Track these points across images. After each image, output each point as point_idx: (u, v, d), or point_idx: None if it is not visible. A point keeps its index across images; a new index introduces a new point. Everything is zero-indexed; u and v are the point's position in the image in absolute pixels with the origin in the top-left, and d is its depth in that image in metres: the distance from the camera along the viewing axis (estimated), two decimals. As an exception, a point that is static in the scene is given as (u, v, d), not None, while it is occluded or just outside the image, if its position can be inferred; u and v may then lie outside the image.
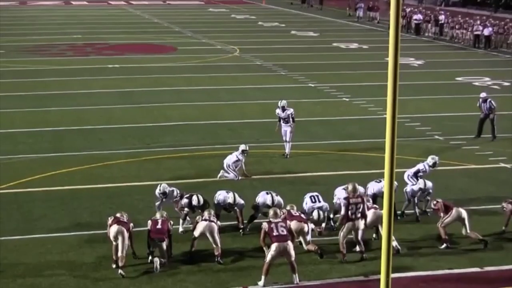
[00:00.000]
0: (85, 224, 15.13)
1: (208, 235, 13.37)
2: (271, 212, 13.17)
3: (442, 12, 50.91)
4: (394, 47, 4.73)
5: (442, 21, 47.50)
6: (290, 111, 19.76)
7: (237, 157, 17.59)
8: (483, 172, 19.14)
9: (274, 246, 12.45)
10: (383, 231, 5.22)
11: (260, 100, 27.42)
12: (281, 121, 19.81)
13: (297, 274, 12.55)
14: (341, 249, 13.35)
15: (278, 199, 14.67)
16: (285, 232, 12.59)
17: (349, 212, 13.24)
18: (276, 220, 12.78)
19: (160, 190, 15.01)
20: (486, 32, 42.21)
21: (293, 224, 13.40)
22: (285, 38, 46.14)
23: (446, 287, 12.63)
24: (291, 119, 19.68)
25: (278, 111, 19.93)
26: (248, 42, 43.59)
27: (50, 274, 12.90)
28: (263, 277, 12.44)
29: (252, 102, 27.12)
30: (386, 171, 4.93)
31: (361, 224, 13.33)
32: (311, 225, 13.95)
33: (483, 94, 22.49)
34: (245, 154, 17.71)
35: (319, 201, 14.61)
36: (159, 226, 13.35)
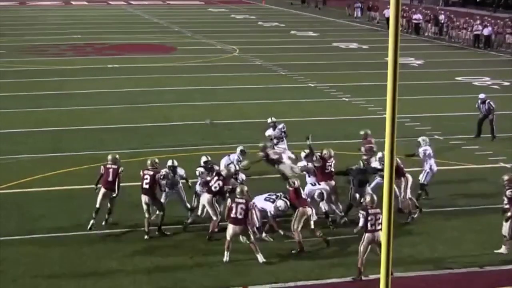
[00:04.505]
0: (85, 224, 15.11)
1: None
2: (238, 189, 13.58)
3: (442, 12, 50.96)
4: (394, 47, 4.72)
5: (442, 21, 47.53)
6: (281, 125, 18.88)
7: (237, 157, 17.38)
8: (483, 172, 19.16)
9: (229, 227, 13.28)
10: (383, 230, 5.21)
11: (260, 100, 27.44)
12: (274, 141, 18.49)
13: (260, 254, 13.20)
14: (359, 265, 12.69)
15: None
16: (242, 216, 13.10)
17: (369, 224, 12.69)
18: (239, 200, 13.22)
19: (171, 163, 15.13)
20: (486, 32, 42.24)
21: None
22: (285, 38, 46.16)
23: (446, 287, 12.63)
24: (283, 135, 18.68)
25: (269, 132, 18.77)
26: (248, 42, 43.62)
27: (49, 275, 12.92)
28: (225, 252, 13.24)
29: (252, 102, 27.13)
30: (386, 170, 4.93)
31: (379, 235, 12.58)
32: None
33: (481, 95, 22.51)
34: (244, 155, 17.52)
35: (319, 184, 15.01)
36: (147, 179, 14.44)
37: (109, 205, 15.07)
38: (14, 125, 23.41)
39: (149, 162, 14.86)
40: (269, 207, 14.06)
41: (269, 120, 19.10)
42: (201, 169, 15.23)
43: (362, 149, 17.49)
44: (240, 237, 13.89)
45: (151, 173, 14.57)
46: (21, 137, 22.10)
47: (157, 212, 14.62)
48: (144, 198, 14.55)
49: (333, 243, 14.25)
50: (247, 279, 12.76)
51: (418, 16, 49.28)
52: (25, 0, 69.94)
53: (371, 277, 12.56)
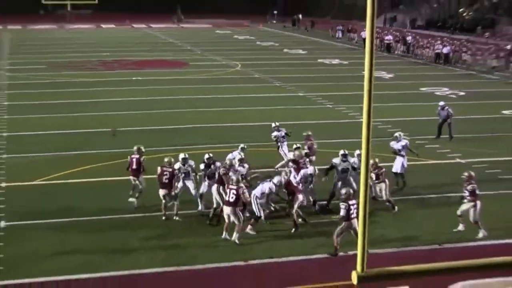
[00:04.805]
0: (110, 209, 15.11)
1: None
2: (234, 177, 13.61)
3: (409, 34, 50.95)
4: (369, 63, 4.72)
5: (409, 41, 47.52)
6: (284, 129, 18.67)
7: (238, 153, 17.28)
8: (442, 167, 19.19)
9: (223, 208, 13.43)
10: (360, 217, 5.19)
11: (258, 106, 27.43)
12: (280, 141, 18.26)
13: (236, 234, 13.24)
14: (335, 244, 12.68)
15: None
16: (233, 200, 13.21)
17: (349, 213, 12.62)
18: (232, 187, 13.31)
19: (183, 155, 15.12)
20: (445, 50, 42.26)
21: None
22: (279, 55, 46.12)
23: (411, 261, 12.61)
24: (286, 136, 18.40)
25: (274, 133, 18.45)
26: (248, 58, 43.57)
27: (82, 252, 12.92)
28: (223, 232, 13.36)
29: (252, 108, 27.11)
30: (363, 165, 4.93)
31: (355, 222, 12.55)
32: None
33: (441, 103, 22.58)
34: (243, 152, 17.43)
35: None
36: (167, 175, 14.44)
37: (140, 185, 15.24)
38: (53, 127, 23.39)
39: (166, 160, 14.80)
40: (268, 185, 14.05)
41: (273, 125, 18.93)
42: (201, 165, 15.17)
43: (305, 147, 17.39)
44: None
45: (170, 169, 14.53)
46: (61, 137, 22.09)
47: (174, 203, 14.59)
48: (163, 191, 14.48)
49: (319, 226, 14.27)
50: (248, 256, 12.76)
51: (389, 37, 49.24)
52: (63, 24, 69.84)
53: (349, 253, 12.57)
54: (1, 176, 17.54)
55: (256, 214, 13.86)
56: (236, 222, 13.33)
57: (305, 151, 16.79)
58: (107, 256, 12.70)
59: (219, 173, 14.49)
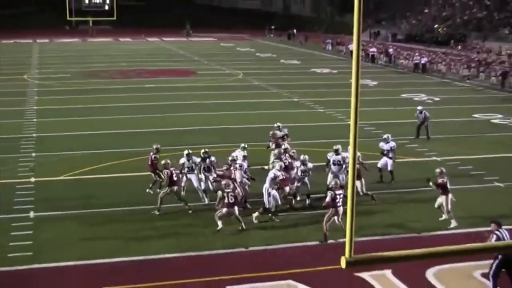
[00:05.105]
0: (127, 202, 15.06)
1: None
2: (223, 182, 13.51)
3: (391, 46, 50.89)
4: (356, 72, 4.68)
5: (391, 53, 47.46)
6: (285, 129, 18.36)
7: (239, 151, 17.18)
8: (420, 164, 19.15)
9: (223, 210, 13.14)
10: (348, 207, 5.15)
11: (258, 110, 27.37)
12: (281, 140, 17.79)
13: (242, 223, 13.21)
14: (325, 231, 12.69)
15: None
16: (232, 200, 13.08)
17: (335, 201, 12.71)
18: (227, 190, 13.19)
19: (187, 151, 15.11)
20: (423, 61, 42.20)
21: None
22: (276, 65, 46.04)
23: (392, 248, 12.58)
24: (286, 136, 17.99)
25: (277, 132, 18.22)
26: (249, 68, 43.50)
27: (103, 238, 12.88)
28: (219, 222, 13.12)
29: (252, 112, 27.05)
30: (350, 163, 4.89)
31: (341, 209, 12.69)
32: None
33: (419, 107, 22.59)
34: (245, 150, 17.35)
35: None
36: (174, 174, 14.31)
37: (159, 178, 15.24)
38: (77, 129, 23.35)
39: (163, 162, 14.56)
40: (273, 171, 14.06)
41: (275, 125, 18.85)
42: (198, 159, 15.16)
43: (273, 145, 17.24)
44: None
45: (174, 168, 14.50)
46: (83, 137, 22.02)
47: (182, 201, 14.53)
48: (170, 188, 14.33)
49: (311, 216, 14.22)
50: (248, 243, 12.73)
51: (373, 49, 49.16)
52: (86, 39, 69.77)
53: (339, 240, 12.52)
54: (30, 172, 17.50)
55: (265, 205, 13.81)
56: (236, 217, 13.28)
57: (283, 147, 16.45)
58: (125, 243, 12.66)
59: (224, 169, 14.43)
